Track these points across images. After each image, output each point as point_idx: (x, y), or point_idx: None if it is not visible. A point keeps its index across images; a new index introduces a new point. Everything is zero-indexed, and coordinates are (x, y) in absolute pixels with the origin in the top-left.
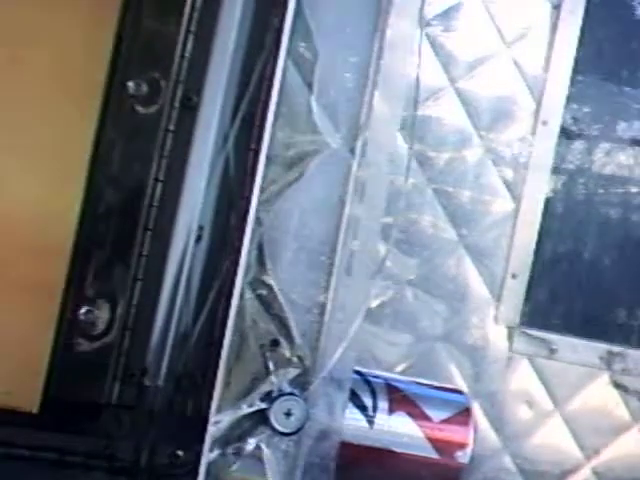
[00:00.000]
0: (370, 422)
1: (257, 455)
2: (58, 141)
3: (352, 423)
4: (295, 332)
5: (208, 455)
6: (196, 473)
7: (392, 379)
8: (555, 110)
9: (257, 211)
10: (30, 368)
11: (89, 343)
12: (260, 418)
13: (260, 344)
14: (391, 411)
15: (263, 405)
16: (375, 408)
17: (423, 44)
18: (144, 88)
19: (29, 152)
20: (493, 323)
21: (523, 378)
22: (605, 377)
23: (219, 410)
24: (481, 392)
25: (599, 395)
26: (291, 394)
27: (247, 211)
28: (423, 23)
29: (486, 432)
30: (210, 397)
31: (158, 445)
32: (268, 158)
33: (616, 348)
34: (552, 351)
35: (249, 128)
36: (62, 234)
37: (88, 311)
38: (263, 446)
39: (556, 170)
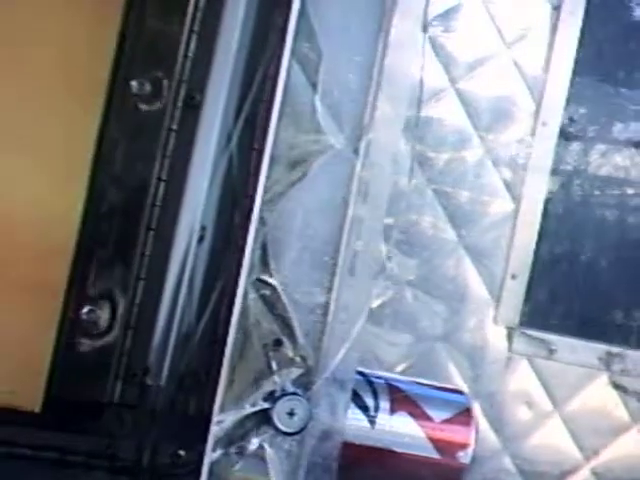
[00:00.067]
0: (372, 422)
1: (260, 455)
2: (61, 141)
3: (354, 423)
4: (298, 332)
5: (211, 455)
6: (199, 473)
7: (393, 379)
8: (555, 111)
9: (261, 211)
10: (32, 367)
11: (91, 342)
12: (263, 418)
13: (263, 344)
14: (392, 411)
15: (266, 405)
16: (377, 408)
17: (418, 44)
18: (147, 87)
19: (31, 151)
20: (492, 323)
21: (522, 379)
22: (604, 378)
23: (222, 410)
24: (480, 392)
25: (598, 396)
26: (294, 394)
27: (250, 211)
28: (427, 24)
29: (485, 433)
30: (213, 397)
31: (160, 445)
32: (272, 158)
33: (615, 349)
34: (551, 352)
35: (252, 128)
36: (64, 233)
37: (90, 310)
38: (266, 446)
39: (553, 171)
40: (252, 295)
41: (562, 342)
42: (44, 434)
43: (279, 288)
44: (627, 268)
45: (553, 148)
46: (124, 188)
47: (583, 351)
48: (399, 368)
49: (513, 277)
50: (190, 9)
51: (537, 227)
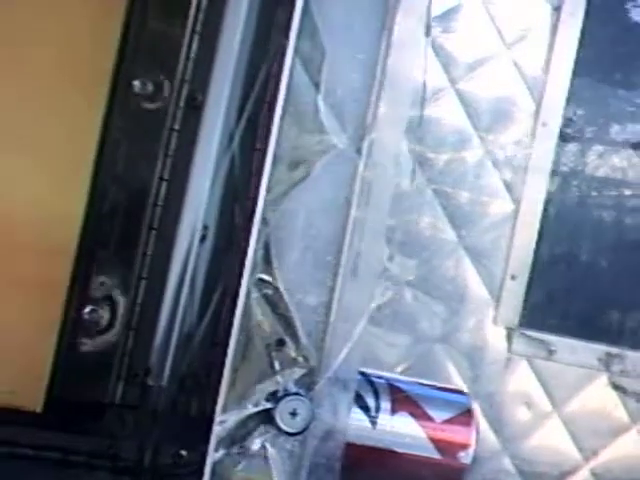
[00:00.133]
0: (373, 422)
1: (262, 455)
2: (63, 140)
3: (355, 423)
4: (301, 332)
5: (213, 455)
6: (201, 473)
7: (395, 380)
8: (555, 111)
9: (263, 211)
10: (34, 368)
11: (93, 343)
12: (265, 418)
13: (266, 344)
14: (394, 411)
15: (269, 405)
16: (378, 408)
17: (420, 44)
18: (150, 87)
19: (34, 151)
20: (492, 324)
21: (522, 379)
22: (604, 378)
23: (224, 410)
24: (480, 393)
25: (598, 396)
26: (297, 394)
27: (253, 211)
28: (430, 26)
29: (485, 433)
30: (215, 397)
31: (162, 445)
32: (274, 157)
33: (614, 350)
34: (551, 352)
35: (255, 127)
36: (66, 233)
37: (92, 310)
38: (268, 446)
39: (553, 172)
40: (255, 295)
41: (561, 343)
42: (46, 434)
43: (282, 288)
44: (626, 269)
45: (553, 149)
46: (126, 188)
47: (582, 352)
48: (398, 369)
49: (513, 278)
50: (192, 9)
51: (537, 228)
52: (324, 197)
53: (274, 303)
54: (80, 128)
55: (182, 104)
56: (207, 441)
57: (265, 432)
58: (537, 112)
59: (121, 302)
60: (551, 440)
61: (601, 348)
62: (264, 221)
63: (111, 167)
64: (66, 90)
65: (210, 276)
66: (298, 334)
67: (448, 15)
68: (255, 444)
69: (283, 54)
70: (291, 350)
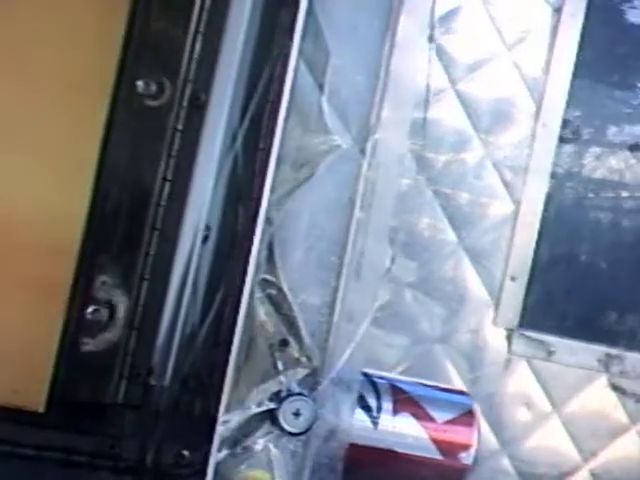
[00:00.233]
0: (374, 423)
1: (265, 455)
2: (66, 141)
3: (356, 424)
4: (304, 332)
5: (216, 455)
6: (204, 473)
7: (396, 380)
8: (555, 112)
9: (267, 211)
10: (36, 367)
11: (95, 342)
12: (269, 418)
13: (269, 344)
14: (395, 412)
15: (272, 405)
16: (379, 409)
17: (424, 46)
18: (153, 87)
19: (36, 151)
20: (492, 325)
21: (521, 380)
22: (603, 379)
23: (227, 410)
24: (479, 394)
25: (597, 397)
26: (300, 394)
27: (257, 211)
28: (433, 28)
29: (484, 434)
30: (218, 397)
31: (164, 445)
32: (278, 158)
33: (614, 351)
34: (550, 353)
35: (258, 128)
36: (69, 233)
37: (94, 310)
38: (271, 446)
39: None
40: (258, 295)
41: (561, 344)
42: (48, 434)
43: (285, 288)
44: (626, 270)
45: (554, 149)
46: (129, 188)
47: (582, 353)
48: (398, 369)
49: (512, 279)
50: (196, 9)
51: (537, 229)
52: (328, 197)
53: (277, 303)
54: (83, 128)
55: (185, 104)
56: (210, 441)
57: (268, 432)
58: (537, 113)
59: (123, 302)
60: (550, 441)
61: (600, 349)
62: (268, 221)
63: (114, 167)
64: (69, 90)
65: (213, 276)
66: (301, 334)
67: (448, 16)
68: (258, 444)
69: (287, 55)
70: (294, 350)
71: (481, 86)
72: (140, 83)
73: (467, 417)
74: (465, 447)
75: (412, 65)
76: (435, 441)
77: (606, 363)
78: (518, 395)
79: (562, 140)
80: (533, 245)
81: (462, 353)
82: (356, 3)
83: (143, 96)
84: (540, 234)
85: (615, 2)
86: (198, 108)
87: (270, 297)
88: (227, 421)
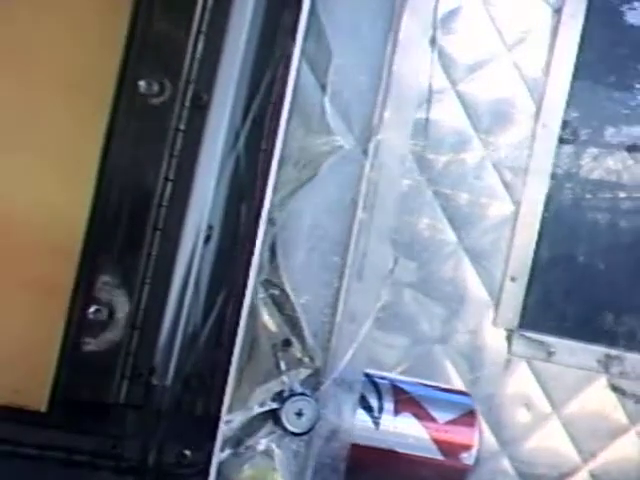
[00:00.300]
0: (376, 423)
1: (268, 455)
2: (68, 141)
3: (358, 424)
4: (307, 333)
5: (219, 455)
6: (206, 473)
7: (398, 381)
8: (555, 113)
9: (270, 211)
10: (38, 367)
11: (97, 342)
12: (271, 418)
13: (272, 344)
14: (397, 412)
15: (274, 405)
16: (381, 409)
17: (426, 46)
18: (155, 87)
19: (39, 151)
20: (492, 326)
21: (521, 381)
22: (603, 380)
23: (230, 410)
24: (479, 394)
25: (597, 398)
26: (302, 394)
27: (259, 212)
28: (436, 29)
29: (484, 434)
30: (220, 397)
31: (166, 445)
32: (281, 158)
33: (614, 351)
34: (550, 354)
35: (260, 128)
36: (71, 233)
37: (96, 310)
38: (274, 446)
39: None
40: (261, 295)
41: (561, 344)
42: (50, 434)
43: (288, 288)
44: (626, 271)
45: (554, 150)
46: (131, 188)
47: (582, 353)
48: (398, 370)
49: (512, 279)
50: (198, 9)
51: (537, 229)
52: (330, 198)
53: (280, 303)
54: (85, 128)
55: (187, 104)
56: (212, 441)
57: (271, 432)
58: (537, 114)
59: (125, 302)
60: (550, 442)
61: (600, 350)
62: (270, 221)
63: (116, 167)
64: (71, 90)
65: (215, 276)
66: (304, 335)
67: (448, 17)
68: (261, 444)
69: (289, 55)
70: (297, 351)
71: (481, 87)
72: (142, 83)
73: (468, 417)
74: (466, 447)
75: (415, 65)
76: (436, 441)
77: (606, 364)
78: (518, 396)
79: (561, 141)
80: (533, 246)
81: (462, 354)
82: (359, 3)
83: (145, 96)
84: (540, 235)
85: (615, 3)
86: (200, 108)
87: (273, 297)
88: (230, 421)
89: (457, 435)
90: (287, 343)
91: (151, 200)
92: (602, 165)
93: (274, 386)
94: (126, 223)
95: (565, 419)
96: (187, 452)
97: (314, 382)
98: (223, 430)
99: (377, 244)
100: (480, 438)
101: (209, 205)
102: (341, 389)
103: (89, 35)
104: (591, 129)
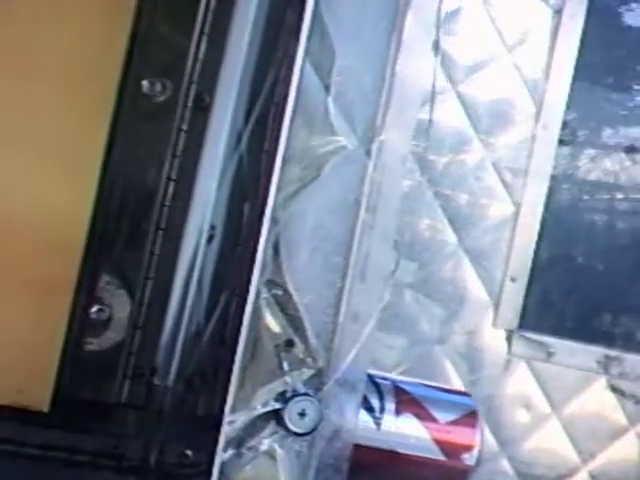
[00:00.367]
0: (377, 424)
1: (270, 455)
2: (71, 140)
3: (359, 424)
4: (310, 333)
5: (222, 455)
6: (209, 473)
7: (399, 381)
8: (555, 114)
9: (273, 211)
10: (40, 367)
11: (99, 342)
12: (274, 418)
13: (275, 344)
14: (398, 413)
15: (277, 405)
16: (382, 409)
17: (429, 47)
18: (158, 87)
19: (42, 150)
20: (492, 326)
21: (521, 381)
22: (602, 381)
23: (233, 410)
24: (479, 395)
25: (596, 399)
26: (305, 394)
27: (262, 212)
28: (439, 40)
29: (484, 435)
30: (223, 397)
31: (167, 445)
32: (284, 158)
33: (613, 352)
34: (550, 354)
35: (263, 129)
36: (74, 232)
37: (98, 310)
38: (276, 446)
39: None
40: (264, 295)
41: (561, 345)
42: (51, 434)
43: (291, 289)
44: (626, 272)
45: (554, 151)
46: (134, 188)
47: (581, 354)
48: (398, 371)
49: (512, 280)
50: (201, 10)
51: (537, 230)
52: (333, 198)
53: (283, 304)
54: (88, 128)
55: (190, 105)
56: (215, 441)
57: (274, 432)
58: (537, 115)
59: (127, 302)
60: (549, 442)
61: (600, 350)
62: (274, 221)
63: (118, 167)
64: (74, 90)
65: (217, 276)
66: (307, 335)
67: (449, 18)
68: (263, 444)
69: (293, 55)
70: (300, 351)
71: (481, 87)
72: (145, 83)
73: (470, 418)
74: (468, 448)
75: (418, 66)
76: (438, 442)
77: (605, 364)
78: (517, 396)
79: (559, 142)
80: (533, 246)
81: (462, 354)
82: (362, 3)
83: (148, 96)
84: (541, 235)
85: (613, 4)
86: (202, 109)
87: (276, 298)
88: (233, 421)
89: (459, 436)
90: (290, 343)
91: (153, 200)
92: (599, 166)
93: (277, 386)
94: (128, 223)
95: (565, 420)
96: (189, 452)
97: (317, 382)
98: (226, 430)
99: (380, 244)
100: (482, 439)
101: (211, 205)
102: (344, 389)
103: (92, 35)
104: (589, 130)
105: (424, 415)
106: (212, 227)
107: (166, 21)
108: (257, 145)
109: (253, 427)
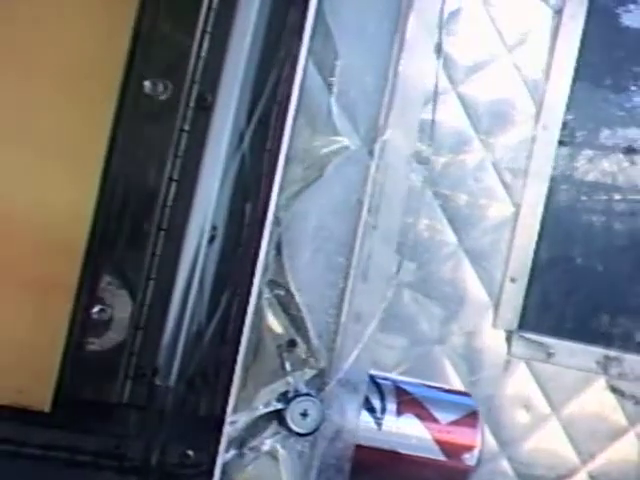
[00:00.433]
0: (378, 424)
1: (272, 455)
2: (73, 140)
3: (360, 425)
4: (312, 333)
5: (224, 455)
6: (210, 473)
7: (400, 381)
8: (555, 115)
9: (276, 212)
10: (41, 367)
11: (101, 342)
12: (276, 418)
13: (277, 344)
14: (399, 413)
15: (279, 405)
16: (383, 410)
17: (430, 48)
18: (160, 87)
19: (43, 150)
20: (491, 327)
21: (520, 382)
22: (602, 381)
23: (235, 410)
24: (479, 395)
25: (596, 399)
26: (307, 395)
27: (264, 212)
28: (442, 43)
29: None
30: (225, 397)
31: (169, 445)
32: (287, 158)
33: (613, 353)
34: (549, 355)
35: (266, 129)
36: (75, 233)
37: (100, 310)
38: (278, 446)
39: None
40: (266, 296)
41: (560, 345)
42: (53, 434)
43: (293, 289)
44: (625, 273)
45: (554, 152)
46: (135, 188)
47: (581, 355)
48: (397, 371)
49: (512, 280)
50: (203, 9)
51: (537, 230)
52: (336, 199)
53: (285, 304)
54: (90, 127)
55: (192, 104)
56: (216, 441)
57: (276, 433)
58: (537, 115)
59: (129, 302)
60: (549, 443)
61: (599, 351)
62: (276, 221)
63: (120, 167)
64: (75, 89)
65: (219, 277)
66: (309, 335)
67: (449, 18)
68: (265, 445)
69: (296, 55)
70: (302, 351)
71: (481, 88)
72: (147, 83)
73: (471, 418)
74: (469, 448)
75: (420, 67)
76: (439, 442)
77: (605, 365)
78: (517, 397)
79: (559, 143)
80: (533, 247)
81: (461, 355)
82: (365, 4)
83: (150, 96)
84: (541, 236)
85: (612, 5)
86: (205, 109)
87: (278, 298)
88: (234, 421)
89: (459, 436)
90: (292, 344)
91: (155, 200)
92: (597, 167)
93: (279, 386)
94: (130, 223)
95: (564, 420)
96: (190, 452)
97: (319, 383)
98: (228, 431)
99: (382, 245)
100: (483, 439)
101: (213, 205)
102: (346, 390)
103: (94, 34)
104: (587, 131)
105: (425, 415)
106: (214, 227)
107: (168, 20)
108: (259, 145)
109: (255, 427)
